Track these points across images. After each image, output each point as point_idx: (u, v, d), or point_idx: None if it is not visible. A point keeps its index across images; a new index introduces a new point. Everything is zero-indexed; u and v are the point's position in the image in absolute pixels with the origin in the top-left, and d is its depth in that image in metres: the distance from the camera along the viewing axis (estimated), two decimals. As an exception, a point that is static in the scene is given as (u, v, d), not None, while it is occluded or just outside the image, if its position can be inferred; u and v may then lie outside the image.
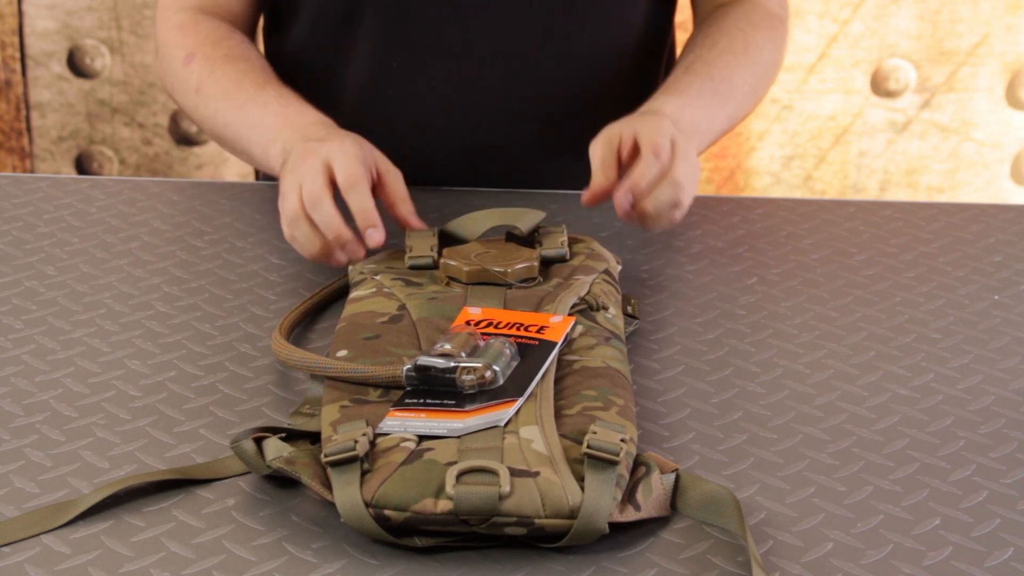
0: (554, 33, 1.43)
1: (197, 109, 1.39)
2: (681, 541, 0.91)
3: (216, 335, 1.16)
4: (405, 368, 0.99)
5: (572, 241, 1.21)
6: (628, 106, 1.35)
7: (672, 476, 0.93)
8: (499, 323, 1.06)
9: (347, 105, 1.44)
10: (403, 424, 0.94)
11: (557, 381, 1.01)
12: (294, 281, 1.25)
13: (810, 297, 1.24)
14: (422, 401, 0.97)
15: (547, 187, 1.45)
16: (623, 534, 0.91)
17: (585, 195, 1.25)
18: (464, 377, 0.97)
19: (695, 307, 1.21)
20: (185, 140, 2.67)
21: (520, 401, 0.96)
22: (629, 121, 1.27)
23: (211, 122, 1.38)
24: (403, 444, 0.92)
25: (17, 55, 2.62)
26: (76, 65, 2.64)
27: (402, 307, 1.10)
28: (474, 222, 1.24)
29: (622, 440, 0.90)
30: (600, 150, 1.25)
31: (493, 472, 0.88)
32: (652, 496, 0.92)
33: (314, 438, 0.97)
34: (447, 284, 1.15)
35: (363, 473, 0.90)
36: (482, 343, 1.01)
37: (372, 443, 0.92)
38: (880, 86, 2.66)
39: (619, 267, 1.21)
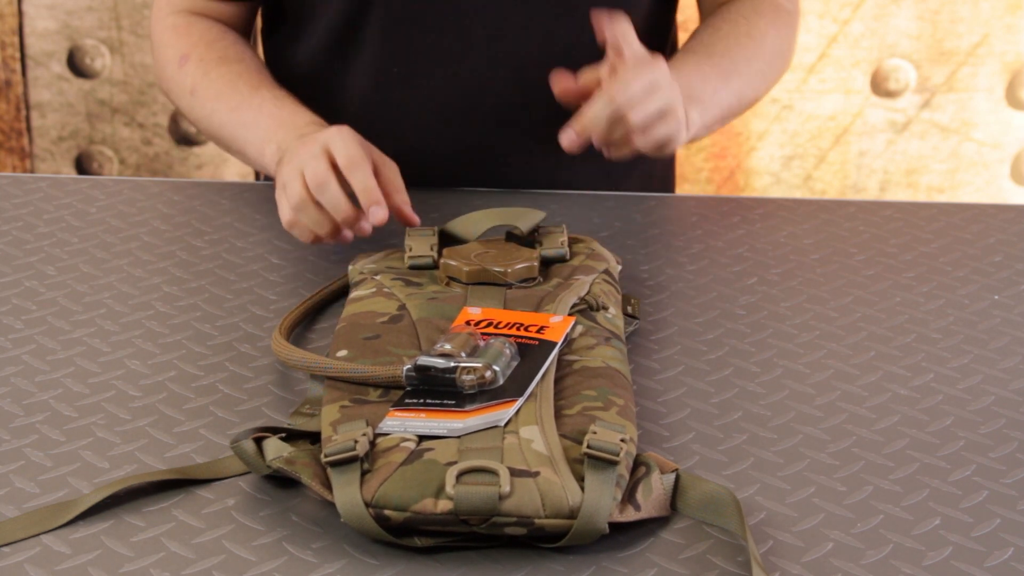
0: (555, 35, 1.43)
1: (192, 110, 1.40)
2: (681, 541, 0.91)
3: (216, 335, 1.15)
4: (405, 368, 0.99)
5: (572, 241, 1.21)
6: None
7: (672, 476, 0.93)
8: (499, 323, 1.06)
9: (349, 109, 1.44)
10: (403, 424, 0.94)
11: (557, 381, 1.00)
12: (294, 281, 1.25)
13: (810, 297, 1.23)
14: (422, 401, 0.97)
15: (547, 187, 1.45)
16: (623, 534, 0.91)
17: (563, 134, 1.24)
18: (464, 377, 0.97)
19: (695, 307, 1.21)
20: (185, 140, 2.67)
21: (520, 401, 0.96)
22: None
23: (206, 123, 1.39)
24: (403, 444, 0.92)
25: (17, 55, 2.62)
26: (76, 65, 2.63)
27: (402, 307, 1.10)
28: (474, 222, 1.24)
29: (622, 440, 0.90)
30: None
31: (493, 472, 0.88)
32: (652, 496, 0.91)
33: (314, 438, 0.97)
34: (447, 284, 1.15)
35: (363, 473, 0.90)
36: (482, 343, 1.01)
37: (372, 443, 0.92)
38: (880, 86, 2.66)
39: (619, 267, 1.21)
